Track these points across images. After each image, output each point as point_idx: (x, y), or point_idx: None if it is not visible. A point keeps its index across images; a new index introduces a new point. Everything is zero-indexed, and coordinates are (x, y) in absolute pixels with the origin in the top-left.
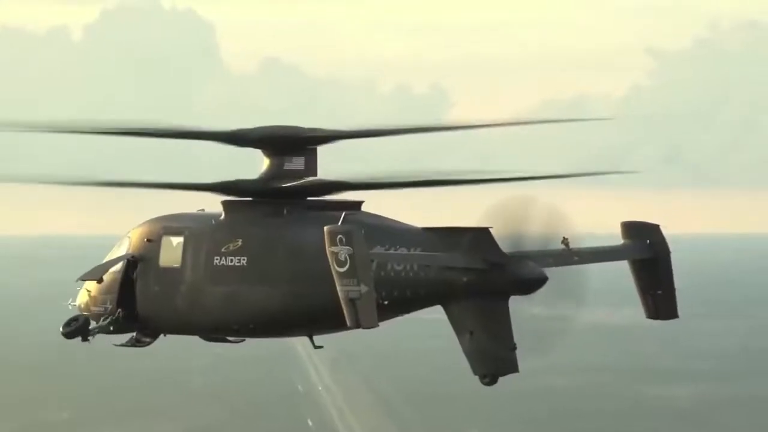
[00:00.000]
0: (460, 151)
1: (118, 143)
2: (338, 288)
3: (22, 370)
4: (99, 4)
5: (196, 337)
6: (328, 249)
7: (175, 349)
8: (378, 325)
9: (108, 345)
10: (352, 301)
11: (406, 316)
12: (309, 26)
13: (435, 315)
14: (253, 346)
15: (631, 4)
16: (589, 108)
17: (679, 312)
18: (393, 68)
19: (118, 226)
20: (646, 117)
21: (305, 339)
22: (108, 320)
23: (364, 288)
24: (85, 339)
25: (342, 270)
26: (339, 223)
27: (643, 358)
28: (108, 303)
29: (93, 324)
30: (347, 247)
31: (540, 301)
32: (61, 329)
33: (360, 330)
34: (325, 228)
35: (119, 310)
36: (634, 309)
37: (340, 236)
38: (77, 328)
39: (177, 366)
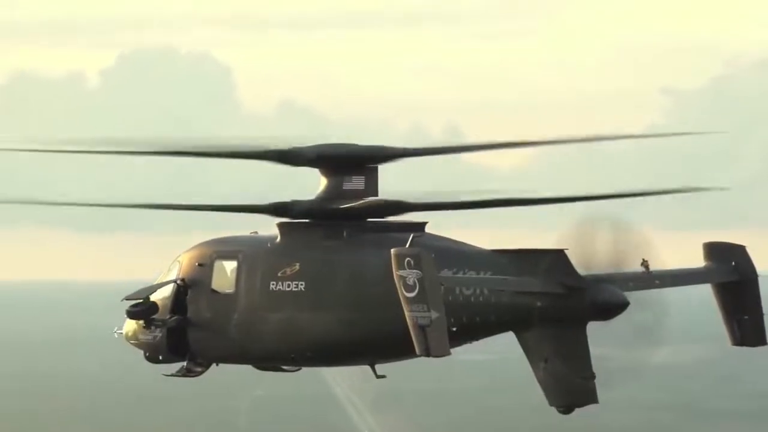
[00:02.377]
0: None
1: (156, 165)
2: (407, 314)
3: (64, 410)
4: (116, 49)
5: (236, 377)
6: (396, 273)
7: (212, 390)
8: (450, 353)
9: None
10: (421, 328)
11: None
12: (323, 68)
13: (475, 356)
14: (288, 386)
15: (645, 44)
16: (605, 147)
17: None
18: (407, 108)
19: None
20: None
21: (343, 379)
22: (157, 349)
23: (434, 314)
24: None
25: (410, 295)
26: (407, 246)
27: (704, 395)
28: (157, 331)
29: (142, 353)
30: (416, 271)
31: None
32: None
33: (397, 368)
34: (393, 251)
35: (169, 338)
36: (691, 345)
37: (408, 259)
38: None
39: (214, 407)
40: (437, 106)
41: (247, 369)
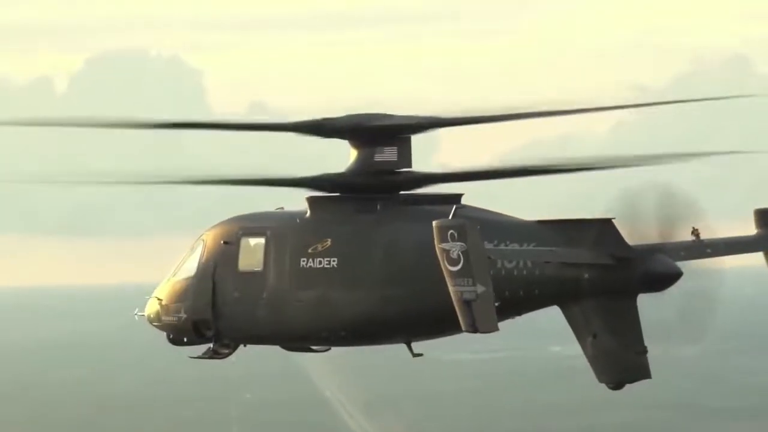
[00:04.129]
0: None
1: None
2: (451, 289)
3: (52, 417)
4: (84, 54)
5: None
6: (438, 246)
7: (200, 398)
8: (498, 329)
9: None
10: (467, 303)
11: (429, 354)
12: (294, 70)
13: (459, 355)
14: (277, 390)
15: (612, 43)
16: (575, 146)
17: None
18: (381, 110)
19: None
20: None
21: (332, 385)
22: (182, 331)
23: (480, 288)
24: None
25: (454, 269)
26: (449, 217)
27: (704, 393)
28: (182, 312)
29: (165, 335)
30: (460, 243)
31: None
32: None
33: (390, 368)
34: (435, 223)
35: (194, 319)
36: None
37: (451, 231)
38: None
39: (209, 412)
40: (414, 107)
41: (237, 372)
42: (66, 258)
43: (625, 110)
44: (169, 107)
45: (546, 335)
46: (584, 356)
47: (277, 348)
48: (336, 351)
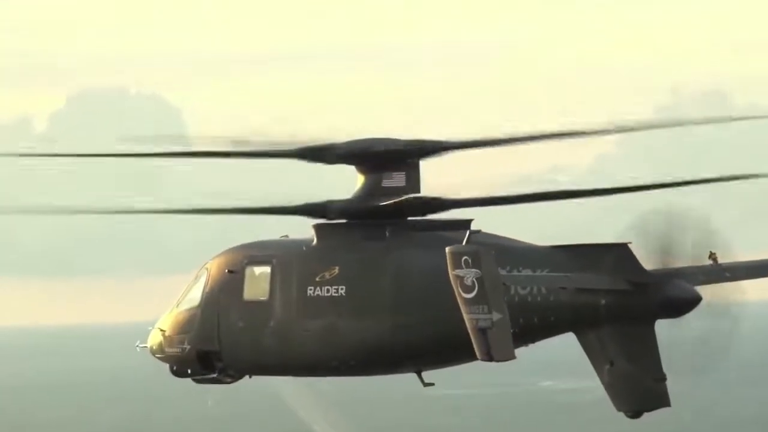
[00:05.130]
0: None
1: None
2: (465, 317)
3: None
4: (64, 92)
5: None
6: (452, 273)
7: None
8: (515, 357)
9: None
10: (482, 331)
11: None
12: (274, 106)
13: (448, 390)
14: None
15: (595, 72)
16: (561, 179)
17: None
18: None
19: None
20: None
21: (318, 419)
22: (186, 362)
23: (496, 315)
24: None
25: (469, 296)
26: (463, 243)
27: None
28: (186, 343)
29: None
30: (475, 270)
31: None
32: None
33: (377, 402)
34: (448, 249)
35: (199, 350)
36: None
37: (465, 258)
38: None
39: None
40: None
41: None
42: (37, 297)
43: (606, 142)
44: (149, 145)
45: (536, 369)
46: (578, 392)
47: (264, 385)
48: (322, 385)
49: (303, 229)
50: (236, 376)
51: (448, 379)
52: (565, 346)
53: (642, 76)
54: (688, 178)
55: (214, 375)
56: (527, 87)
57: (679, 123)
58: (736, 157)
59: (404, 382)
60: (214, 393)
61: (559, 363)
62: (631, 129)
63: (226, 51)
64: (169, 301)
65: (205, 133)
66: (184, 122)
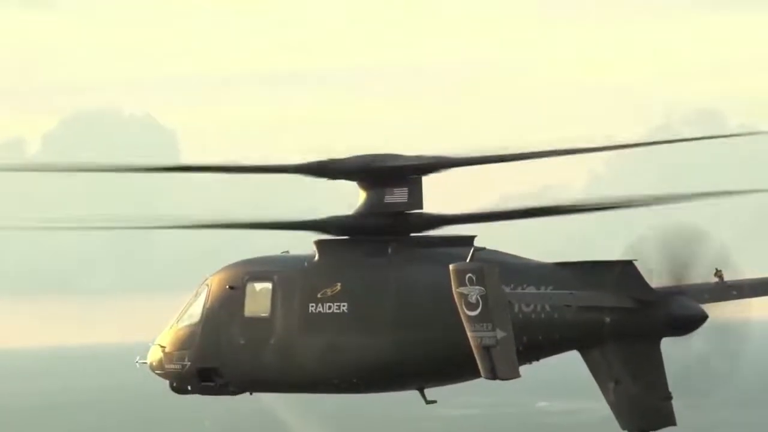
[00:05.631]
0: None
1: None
2: (469, 334)
3: None
4: (57, 114)
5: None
6: (456, 290)
7: None
8: (519, 375)
9: None
10: (486, 349)
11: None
12: (263, 130)
13: (441, 411)
14: None
15: (590, 91)
16: (553, 198)
17: None
18: None
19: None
20: None
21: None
22: (186, 379)
23: (500, 333)
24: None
25: (473, 314)
26: (468, 260)
27: None
28: (186, 359)
29: (168, 384)
30: (479, 287)
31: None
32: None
33: (369, 421)
34: (452, 266)
35: (199, 366)
36: None
37: (470, 275)
38: None
39: None
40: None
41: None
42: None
43: (599, 163)
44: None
45: (532, 390)
46: (575, 413)
47: (262, 402)
48: (312, 403)
49: (304, 244)
50: (237, 392)
51: (443, 399)
52: (563, 366)
53: (633, 96)
54: (686, 192)
55: (214, 390)
56: (522, 105)
57: (672, 140)
58: (731, 173)
59: (400, 401)
60: (211, 411)
61: (556, 383)
62: (633, 145)
63: (223, 71)
64: (165, 319)
65: (200, 153)
66: (177, 143)
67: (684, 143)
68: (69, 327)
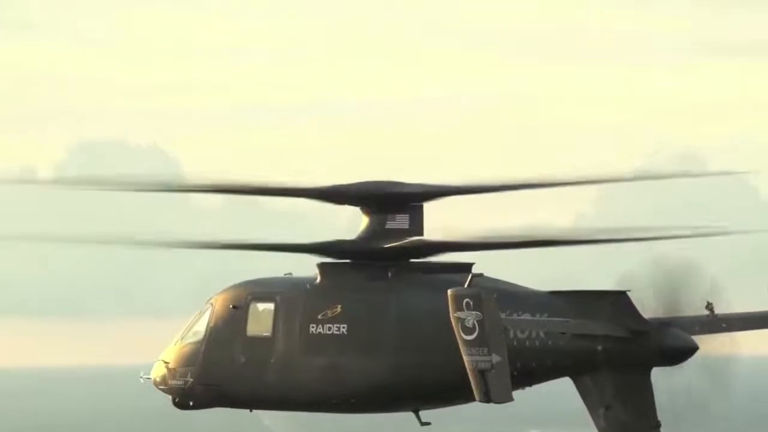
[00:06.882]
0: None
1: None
2: (465, 358)
3: None
4: (63, 143)
5: None
6: (453, 314)
7: None
8: (513, 399)
9: None
10: (481, 373)
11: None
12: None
13: None
14: None
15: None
16: (550, 228)
17: None
18: None
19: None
20: None
21: None
22: (188, 395)
23: (496, 358)
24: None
25: (469, 338)
26: (465, 285)
27: None
28: (189, 376)
29: (171, 399)
30: (476, 312)
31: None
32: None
33: None
34: (450, 291)
35: (201, 383)
36: None
37: (467, 300)
38: None
39: None
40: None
41: None
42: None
43: (585, 202)
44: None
45: (523, 417)
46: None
47: (260, 420)
48: (318, 423)
49: (307, 267)
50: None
51: (436, 425)
52: (554, 393)
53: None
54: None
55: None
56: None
57: (658, 177)
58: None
59: (395, 421)
60: (212, 429)
61: (547, 411)
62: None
63: (226, 101)
64: (162, 342)
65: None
66: (181, 171)
67: (673, 179)
68: (60, 347)
